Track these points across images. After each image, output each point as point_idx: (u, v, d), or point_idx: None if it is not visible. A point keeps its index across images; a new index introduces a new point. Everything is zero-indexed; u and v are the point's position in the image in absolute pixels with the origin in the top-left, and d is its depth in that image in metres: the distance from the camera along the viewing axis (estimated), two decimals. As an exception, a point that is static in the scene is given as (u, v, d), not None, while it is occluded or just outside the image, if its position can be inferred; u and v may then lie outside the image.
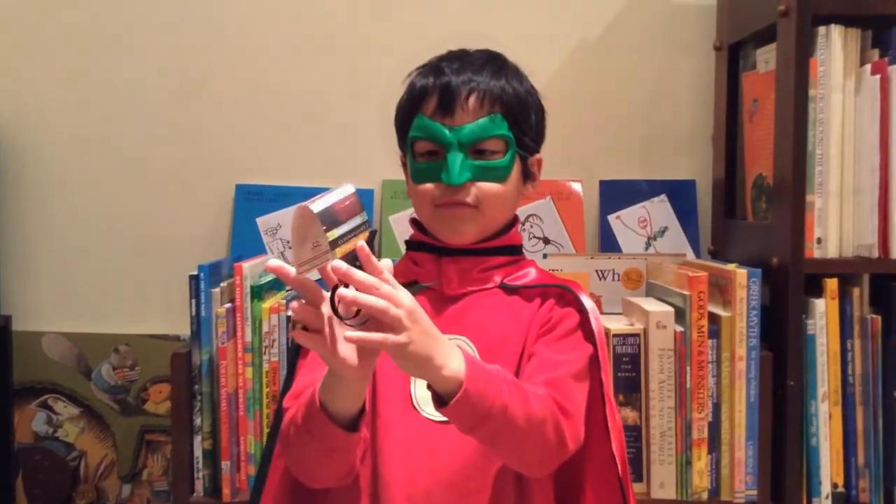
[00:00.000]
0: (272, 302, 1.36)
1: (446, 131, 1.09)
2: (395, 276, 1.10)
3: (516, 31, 1.64)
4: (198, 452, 1.33)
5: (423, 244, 1.15)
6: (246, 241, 1.65)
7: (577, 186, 1.68)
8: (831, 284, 1.30)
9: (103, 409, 1.67)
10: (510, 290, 1.13)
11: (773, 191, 1.37)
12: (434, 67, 1.15)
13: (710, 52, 1.64)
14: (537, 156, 1.18)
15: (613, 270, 1.58)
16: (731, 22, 1.57)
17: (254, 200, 1.67)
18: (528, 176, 1.17)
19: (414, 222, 1.18)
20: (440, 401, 0.91)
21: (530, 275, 1.15)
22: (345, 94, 1.68)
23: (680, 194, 1.68)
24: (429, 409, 1.02)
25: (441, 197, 1.10)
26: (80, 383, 1.67)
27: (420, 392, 1.05)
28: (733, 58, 1.58)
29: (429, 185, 1.11)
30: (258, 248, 1.64)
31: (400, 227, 1.66)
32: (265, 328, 1.34)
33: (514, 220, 1.18)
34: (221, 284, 1.37)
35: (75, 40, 1.68)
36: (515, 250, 1.17)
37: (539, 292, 1.13)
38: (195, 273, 1.33)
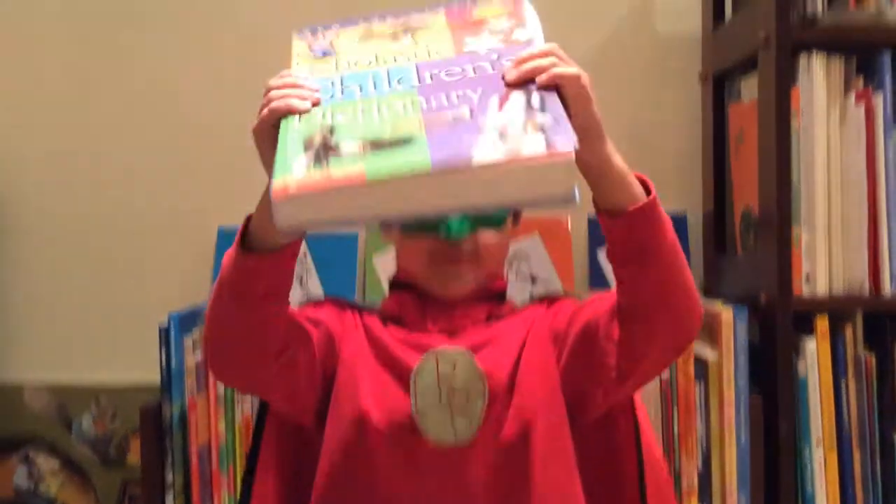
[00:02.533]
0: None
1: None
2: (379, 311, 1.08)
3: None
4: (169, 510, 1.30)
5: (407, 285, 1.07)
6: (227, 287, 1.62)
7: (564, 222, 1.64)
8: (822, 323, 1.25)
9: (84, 462, 1.64)
10: (499, 317, 1.06)
11: (759, 225, 1.32)
12: None
13: (696, 83, 1.60)
14: None
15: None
16: (715, 52, 1.53)
17: (236, 244, 1.64)
18: (515, 214, 1.10)
19: (401, 271, 1.10)
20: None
21: (515, 307, 1.10)
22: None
23: (671, 228, 1.63)
24: (435, 433, 0.94)
25: (439, 252, 1.02)
26: (60, 435, 1.64)
27: (424, 416, 0.95)
28: (719, 88, 1.54)
29: (422, 238, 1.02)
30: (240, 294, 1.61)
31: (384, 267, 1.62)
32: (237, 379, 1.30)
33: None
34: (195, 333, 1.34)
35: (55, 81, 1.68)
36: (498, 296, 1.09)
37: (527, 310, 1.07)
38: (165, 323, 1.30)
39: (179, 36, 1.67)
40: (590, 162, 0.84)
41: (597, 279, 1.63)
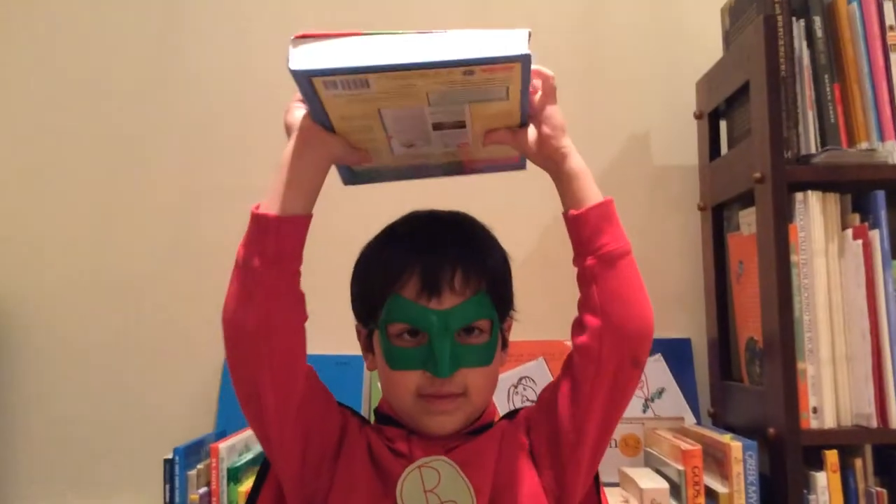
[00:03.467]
0: (249, 484, 1.31)
1: (433, 316, 0.97)
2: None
3: (495, 204, 1.65)
4: None
5: (391, 419, 1.05)
6: (233, 413, 1.60)
7: (569, 345, 1.65)
8: (831, 457, 1.24)
9: None
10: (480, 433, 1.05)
11: (764, 357, 1.33)
12: (409, 239, 1.03)
13: (695, 213, 1.65)
14: (509, 321, 1.10)
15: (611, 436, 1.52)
16: (712, 184, 1.58)
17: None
18: (503, 343, 1.08)
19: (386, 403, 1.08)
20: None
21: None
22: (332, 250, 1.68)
23: (675, 354, 1.64)
24: None
25: (426, 388, 0.99)
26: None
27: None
28: (717, 218, 1.58)
29: (409, 374, 0.99)
30: (244, 422, 1.59)
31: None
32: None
33: None
34: (199, 466, 1.33)
35: (66, 199, 1.72)
36: (488, 427, 1.06)
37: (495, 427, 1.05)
38: (169, 456, 1.29)
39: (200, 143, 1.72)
40: (552, 151, 0.97)
41: (603, 405, 1.62)
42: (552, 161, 0.98)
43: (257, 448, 1.45)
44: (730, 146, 1.57)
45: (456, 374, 0.99)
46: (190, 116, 1.73)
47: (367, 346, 1.07)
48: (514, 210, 1.63)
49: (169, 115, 1.73)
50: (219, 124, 1.73)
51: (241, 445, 1.39)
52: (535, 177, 1.18)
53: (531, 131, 0.98)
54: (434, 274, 0.99)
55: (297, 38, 0.85)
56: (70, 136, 1.73)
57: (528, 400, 1.63)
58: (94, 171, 1.72)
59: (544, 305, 1.65)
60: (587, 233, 0.96)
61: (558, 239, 1.64)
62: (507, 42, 0.84)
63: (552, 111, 0.96)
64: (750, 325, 1.43)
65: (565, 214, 0.98)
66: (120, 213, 1.71)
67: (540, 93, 0.95)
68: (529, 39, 0.86)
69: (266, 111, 1.54)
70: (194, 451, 1.34)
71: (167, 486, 1.29)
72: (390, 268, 1.02)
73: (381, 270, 1.03)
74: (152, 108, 1.73)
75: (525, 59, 0.84)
